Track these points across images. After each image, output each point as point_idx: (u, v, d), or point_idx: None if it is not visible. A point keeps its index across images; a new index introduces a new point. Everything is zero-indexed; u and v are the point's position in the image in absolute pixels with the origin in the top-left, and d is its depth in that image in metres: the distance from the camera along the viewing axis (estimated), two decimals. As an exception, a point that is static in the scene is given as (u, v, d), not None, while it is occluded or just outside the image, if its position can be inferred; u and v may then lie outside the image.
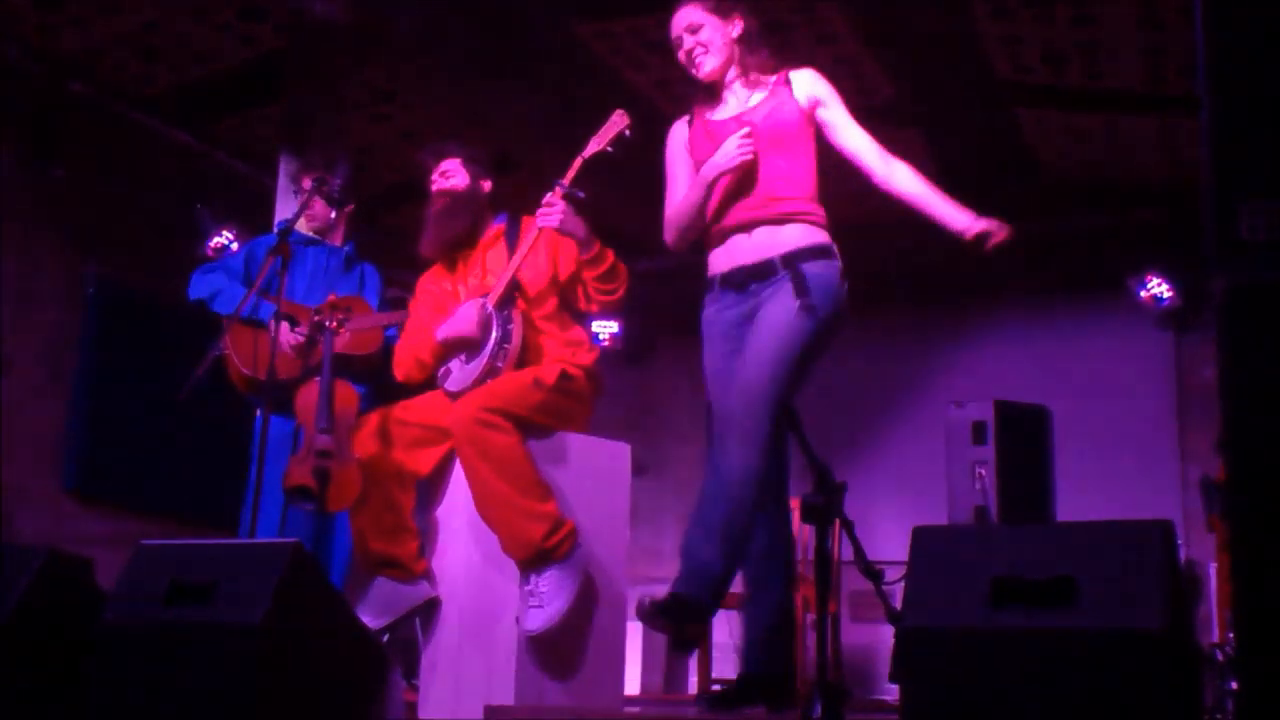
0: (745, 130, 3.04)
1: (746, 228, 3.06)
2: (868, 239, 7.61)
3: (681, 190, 3.21)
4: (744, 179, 3.06)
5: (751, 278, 3.04)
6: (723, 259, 3.11)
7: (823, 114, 3.12)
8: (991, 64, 5.98)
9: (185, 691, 2.41)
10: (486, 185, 3.72)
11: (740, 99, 3.18)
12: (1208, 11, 1.93)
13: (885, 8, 5.52)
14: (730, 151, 3.03)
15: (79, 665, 2.61)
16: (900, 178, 3.06)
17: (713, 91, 3.20)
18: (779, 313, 2.94)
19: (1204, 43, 1.92)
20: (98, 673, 2.52)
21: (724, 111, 3.18)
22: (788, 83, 3.14)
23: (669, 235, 3.23)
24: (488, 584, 3.34)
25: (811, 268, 2.98)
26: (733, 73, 3.18)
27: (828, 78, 3.16)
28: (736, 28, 3.16)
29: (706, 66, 3.15)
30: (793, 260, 2.98)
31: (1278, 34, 1.88)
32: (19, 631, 2.65)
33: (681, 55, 3.18)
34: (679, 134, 3.27)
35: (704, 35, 3.13)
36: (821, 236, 3.05)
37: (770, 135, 3.06)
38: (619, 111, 3.37)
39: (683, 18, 3.16)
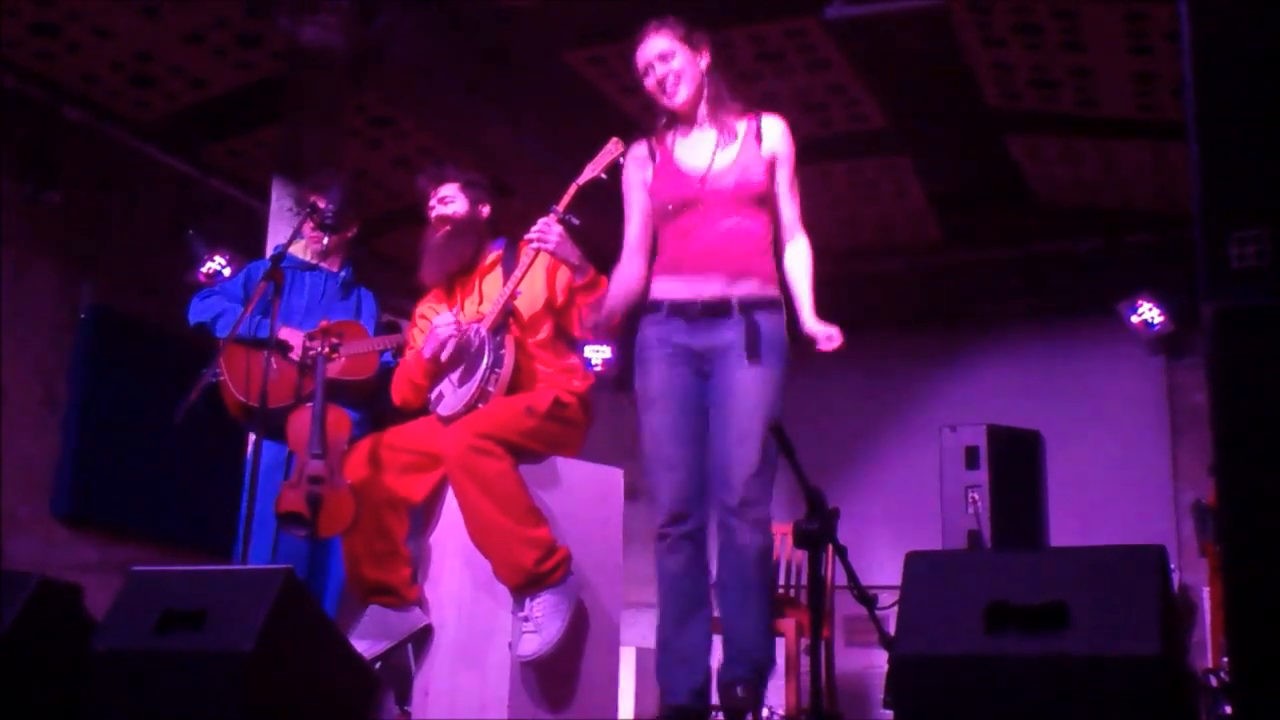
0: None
1: (703, 273, 3.10)
2: (860, 263, 7.68)
3: (635, 228, 3.22)
4: (707, 230, 3.10)
5: (705, 313, 3.09)
6: (678, 289, 3.13)
7: (776, 172, 3.18)
8: (982, 90, 6.02)
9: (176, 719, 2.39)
10: (485, 211, 3.71)
11: (708, 145, 3.17)
12: (1195, 40, 1.95)
13: (876, 34, 5.56)
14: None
15: (69, 693, 2.59)
16: (790, 252, 3.18)
17: (677, 119, 3.21)
18: (748, 390, 3.01)
19: (1191, 71, 1.94)
20: (89, 700, 2.51)
21: (692, 155, 3.18)
22: (759, 135, 3.17)
23: (606, 308, 3.18)
24: (480, 610, 3.33)
25: (765, 319, 3.06)
26: (703, 109, 3.19)
27: (790, 125, 3.21)
28: (705, 59, 3.19)
29: (681, 95, 3.16)
30: (748, 308, 3.06)
31: (1264, 62, 1.90)
32: (8, 659, 2.64)
33: (651, 83, 3.19)
34: (638, 162, 3.25)
35: (676, 64, 3.15)
36: (773, 290, 3.13)
37: (740, 198, 3.11)
38: (614, 139, 3.37)
39: (653, 46, 3.18)
